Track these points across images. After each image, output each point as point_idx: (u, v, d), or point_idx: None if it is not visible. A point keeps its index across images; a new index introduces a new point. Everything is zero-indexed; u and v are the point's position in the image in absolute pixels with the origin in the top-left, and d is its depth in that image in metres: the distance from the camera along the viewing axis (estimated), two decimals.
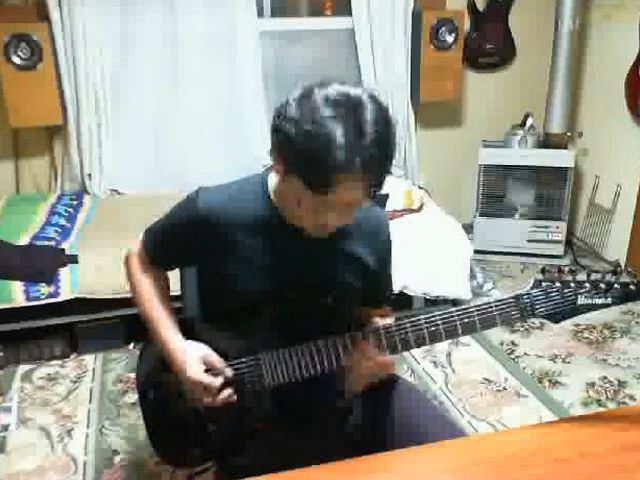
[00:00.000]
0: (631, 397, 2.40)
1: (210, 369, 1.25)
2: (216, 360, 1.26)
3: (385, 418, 1.36)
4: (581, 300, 1.10)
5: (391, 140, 1.08)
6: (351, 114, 1.02)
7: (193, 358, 1.25)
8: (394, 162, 1.13)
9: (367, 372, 1.25)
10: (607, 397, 2.40)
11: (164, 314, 1.33)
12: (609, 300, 1.09)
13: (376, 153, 1.04)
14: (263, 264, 1.26)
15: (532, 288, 1.12)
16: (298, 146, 1.03)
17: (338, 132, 1.01)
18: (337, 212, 1.11)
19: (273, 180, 1.25)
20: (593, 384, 2.48)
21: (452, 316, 1.15)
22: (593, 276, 1.10)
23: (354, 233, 1.29)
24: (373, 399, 1.38)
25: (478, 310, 1.14)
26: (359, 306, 1.41)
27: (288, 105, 1.06)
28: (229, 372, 1.26)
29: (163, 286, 1.39)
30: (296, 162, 1.06)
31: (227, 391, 1.25)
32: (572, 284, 1.10)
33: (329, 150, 1.01)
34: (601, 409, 2.31)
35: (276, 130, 1.08)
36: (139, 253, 1.39)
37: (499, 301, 1.14)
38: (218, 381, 1.24)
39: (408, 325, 1.17)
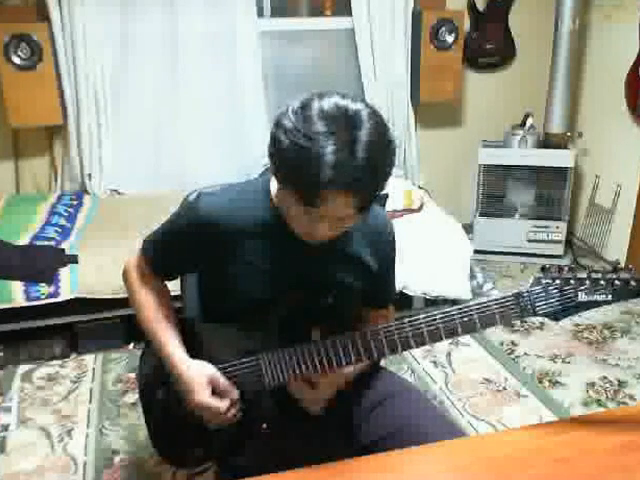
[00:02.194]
0: (631, 397, 2.40)
1: (216, 390, 1.24)
2: (222, 382, 1.25)
3: (384, 417, 1.35)
4: (581, 297, 1.09)
5: (386, 158, 1.06)
6: (346, 131, 1.01)
7: (199, 381, 1.24)
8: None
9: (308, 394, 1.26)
10: (607, 397, 2.40)
11: (167, 329, 1.31)
12: (609, 297, 1.08)
13: (366, 172, 1.02)
14: (264, 265, 1.26)
15: (532, 286, 1.12)
16: (288, 158, 1.03)
17: (329, 150, 0.99)
18: (327, 224, 1.11)
19: (274, 183, 1.25)
20: (593, 384, 2.48)
21: (452, 315, 1.14)
22: (593, 273, 1.09)
23: (355, 234, 1.29)
24: (372, 399, 1.38)
25: (478, 309, 1.13)
26: (362, 306, 1.41)
27: (286, 115, 1.04)
28: (235, 394, 1.25)
29: (164, 297, 1.37)
30: (286, 173, 1.06)
31: (233, 410, 1.25)
32: (572, 281, 1.09)
33: (317, 166, 0.99)
34: (601, 409, 2.31)
35: (272, 137, 1.07)
36: (138, 264, 1.38)
37: (499, 299, 1.13)
38: (225, 404, 1.23)
39: (407, 325, 1.17)
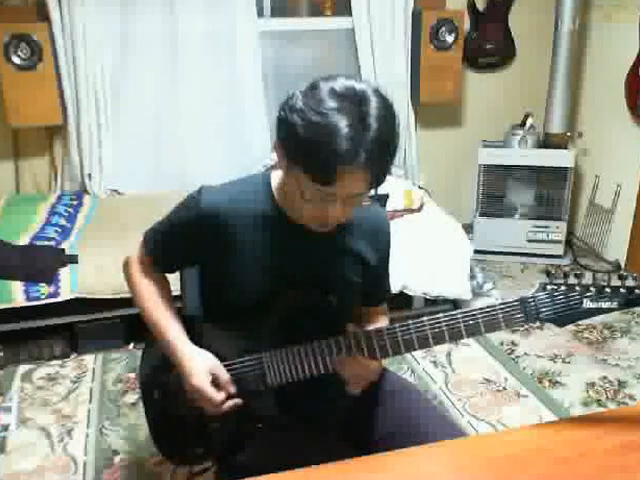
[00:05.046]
0: (631, 397, 2.40)
1: (216, 380, 1.24)
2: (223, 374, 1.25)
3: (384, 417, 1.36)
4: (586, 304, 1.09)
5: (394, 134, 1.09)
6: (356, 107, 1.04)
7: (200, 368, 1.24)
8: (395, 161, 1.13)
9: (355, 374, 1.25)
10: (607, 397, 2.40)
11: (169, 318, 1.31)
12: (615, 304, 1.09)
13: (380, 146, 1.05)
14: (265, 263, 1.26)
15: (537, 292, 1.12)
16: (303, 137, 1.04)
17: (343, 124, 1.02)
18: (340, 204, 1.12)
19: (276, 179, 1.26)
20: (593, 384, 2.48)
21: (456, 319, 1.14)
22: (599, 280, 1.09)
23: (355, 231, 1.29)
24: (372, 398, 1.38)
25: (482, 313, 1.13)
26: (359, 306, 1.41)
27: (294, 97, 1.07)
28: (233, 389, 1.25)
29: (165, 288, 1.38)
30: (300, 153, 1.06)
31: (230, 402, 1.25)
32: (577, 288, 1.09)
33: (333, 141, 1.01)
34: (601, 409, 2.31)
35: (281, 121, 1.08)
36: (139, 256, 1.38)
37: (504, 304, 1.13)
38: (221, 397, 1.23)
39: (412, 326, 1.17)
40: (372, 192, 1.16)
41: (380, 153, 1.06)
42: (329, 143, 1.02)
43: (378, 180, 1.09)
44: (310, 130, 1.03)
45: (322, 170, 1.05)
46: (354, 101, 1.04)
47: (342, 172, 1.04)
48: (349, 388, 1.28)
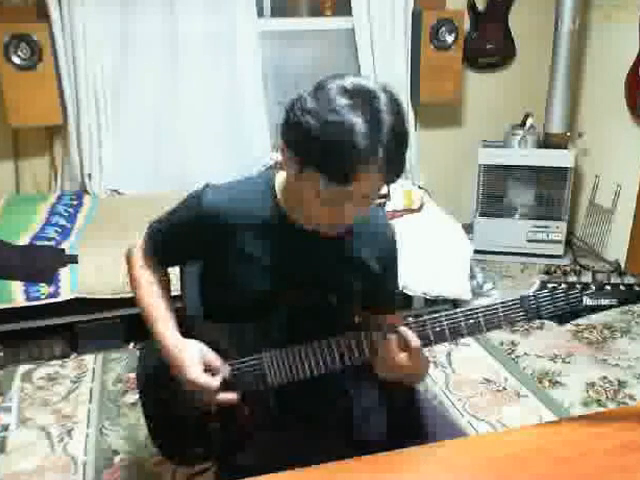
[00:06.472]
0: (631, 397, 2.40)
1: (209, 368, 1.25)
2: (214, 359, 1.25)
3: (384, 417, 1.35)
4: (586, 301, 1.10)
5: (406, 128, 1.09)
6: (368, 103, 1.03)
7: (192, 357, 1.24)
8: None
9: (396, 363, 1.18)
10: (607, 397, 2.40)
11: (163, 311, 1.32)
12: (614, 301, 1.10)
13: (395, 140, 1.04)
14: (266, 263, 1.26)
15: (538, 290, 1.12)
16: (318, 137, 1.03)
17: (358, 120, 1.01)
18: (356, 203, 1.11)
19: (280, 179, 1.25)
20: (593, 384, 2.48)
21: (457, 317, 1.14)
22: (598, 277, 1.10)
23: (357, 235, 1.29)
24: (372, 398, 1.38)
25: (484, 311, 1.13)
26: (367, 311, 1.41)
27: (302, 99, 1.06)
28: (226, 371, 1.25)
29: (163, 282, 1.38)
30: (317, 154, 1.05)
31: (228, 395, 1.25)
32: (577, 285, 1.10)
33: (351, 139, 1.01)
34: (601, 409, 2.31)
35: (290, 124, 1.07)
36: (142, 246, 1.39)
37: (505, 303, 1.13)
38: (217, 381, 1.23)
39: (412, 325, 1.17)
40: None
41: (396, 147, 1.05)
42: (347, 141, 1.01)
43: (394, 175, 1.09)
44: (326, 129, 1.02)
45: (341, 169, 1.04)
46: (365, 97, 1.04)
47: (361, 169, 1.03)
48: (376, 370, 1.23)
